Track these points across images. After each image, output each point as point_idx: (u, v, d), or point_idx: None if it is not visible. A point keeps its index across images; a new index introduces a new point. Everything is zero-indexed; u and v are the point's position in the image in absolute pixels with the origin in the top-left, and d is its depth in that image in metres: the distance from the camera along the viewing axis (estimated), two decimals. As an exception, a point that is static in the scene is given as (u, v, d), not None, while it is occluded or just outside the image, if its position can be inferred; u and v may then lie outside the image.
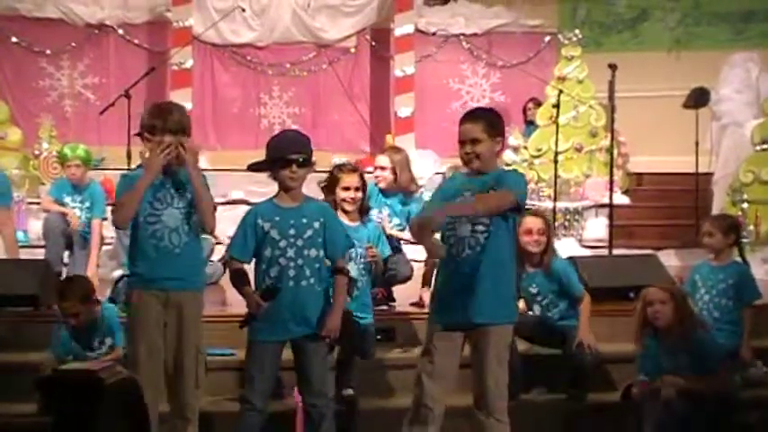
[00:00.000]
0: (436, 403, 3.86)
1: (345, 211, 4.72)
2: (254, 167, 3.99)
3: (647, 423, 4.40)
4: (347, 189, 4.73)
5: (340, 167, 4.84)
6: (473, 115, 3.98)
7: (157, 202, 3.94)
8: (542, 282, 5.06)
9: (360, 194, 4.75)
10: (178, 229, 3.94)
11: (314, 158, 3.99)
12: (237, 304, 5.27)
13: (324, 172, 4.88)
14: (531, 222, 5.00)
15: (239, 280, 3.92)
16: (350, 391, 4.64)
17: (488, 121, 3.91)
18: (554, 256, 5.07)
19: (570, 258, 5.70)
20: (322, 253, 3.95)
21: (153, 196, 3.93)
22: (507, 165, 9.26)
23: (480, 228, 3.82)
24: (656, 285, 4.71)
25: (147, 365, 3.86)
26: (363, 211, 4.81)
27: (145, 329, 3.93)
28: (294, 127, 10.03)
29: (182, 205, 3.96)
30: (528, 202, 8.94)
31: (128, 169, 5.99)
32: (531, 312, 5.09)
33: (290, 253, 3.89)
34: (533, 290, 5.08)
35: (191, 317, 3.97)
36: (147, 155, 3.99)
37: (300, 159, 3.89)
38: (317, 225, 3.95)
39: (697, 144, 8.92)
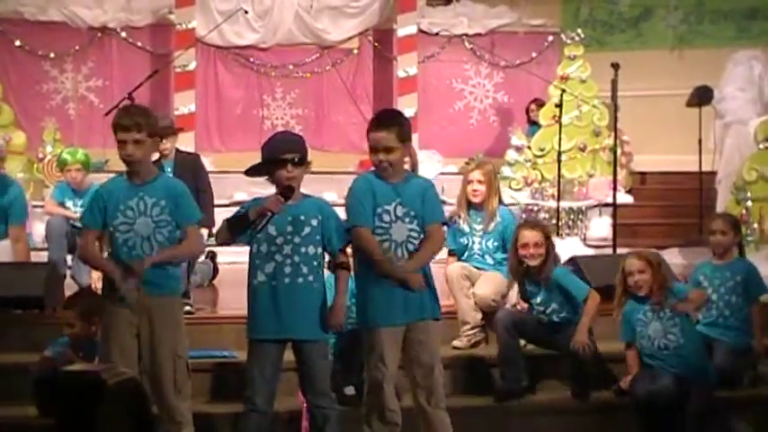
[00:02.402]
0: (396, 404, 3.96)
1: None
2: (250, 172, 4.00)
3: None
4: None
5: None
6: (385, 123, 4.00)
7: (129, 210, 3.93)
8: (545, 296, 5.02)
9: None
10: (150, 239, 3.93)
11: (310, 158, 4.01)
12: (231, 305, 5.30)
13: (326, 173, 4.89)
14: (528, 236, 4.98)
15: (236, 219, 3.88)
16: (351, 390, 4.64)
17: (400, 128, 3.96)
18: (553, 267, 4.99)
19: (571, 260, 5.69)
20: (320, 250, 3.96)
21: (125, 204, 3.92)
22: (510, 164, 9.29)
23: (414, 233, 3.95)
24: (633, 254, 4.79)
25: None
26: None
27: (117, 333, 3.91)
28: (297, 128, 10.05)
29: (156, 213, 3.95)
30: (531, 201, 9.05)
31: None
32: (534, 313, 5.08)
33: (287, 250, 3.90)
34: (538, 301, 5.04)
35: (165, 322, 3.94)
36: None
37: (295, 159, 3.90)
38: (314, 222, 3.96)
39: (700, 142, 8.90)
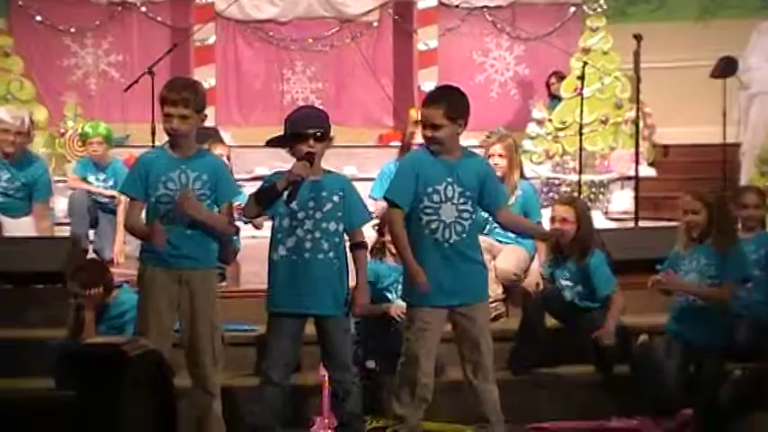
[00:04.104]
0: (431, 379, 3.97)
1: (392, 254, 4.71)
2: (272, 143, 4.00)
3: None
4: None
5: None
6: (433, 99, 3.98)
7: (171, 182, 3.93)
8: (575, 273, 4.94)
9: None
10: None
11: (332, 133, 3.99)
12: (254, 280, 5.32)
13: (346, 147, 4.87)
14: (555, 210, 4.97)
15: (264, 191, 3.89)
16: (372, 364, 4.66)
17: (449, 104, 3.90)
18: (592, 251, 4.88)
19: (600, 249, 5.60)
20: (341, 227, 3.96)
21: (167, 176, 3.93)
22: (531, 137, 9.23)
23: (465, 214, 3.93)
24: (690, 193, 4.75)
25: (157, 340, 3.82)
26: None
27: (154, 304, 3.94)
28: (317, 102, 10.03)
29: (197, 186, 3.95)
30: (553, 174, 8.98)
31: (152, 146, 5.98)
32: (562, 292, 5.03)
33: (308, 225, 3.90)
34: (566, 276, 4.99)
35: (204, 294, 3.97)
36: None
37: (318, 134, 3.89)
38: (336, 198, 3.95)
39: (725, 114, 8.78)
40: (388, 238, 4.78)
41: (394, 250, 4.76)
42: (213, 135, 6.37)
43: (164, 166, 3.95)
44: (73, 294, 4.53)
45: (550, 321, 5.02)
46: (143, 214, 4.03)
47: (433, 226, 3.90)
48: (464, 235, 3.92)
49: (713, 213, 4.69)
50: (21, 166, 6.15)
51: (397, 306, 4.56)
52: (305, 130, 3.89)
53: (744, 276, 4.80)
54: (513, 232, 4.81)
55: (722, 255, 4.68)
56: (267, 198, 3.88)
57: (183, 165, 3.95)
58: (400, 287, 4.65)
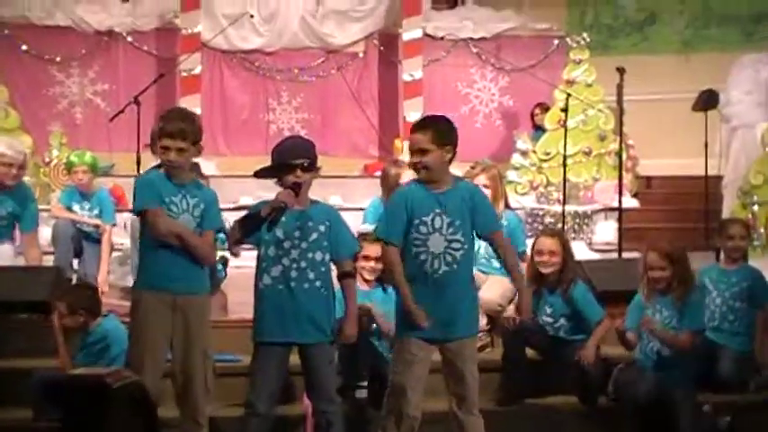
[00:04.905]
0: (418, 411, 3.95)
1: (365, 280, 4.75)
2: (260, 174, 4.01)
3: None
4: (367, 258, 4.72)
5: (363, 236, 4.84)
6: (421, 125, 4.00)
7: (174, 205, 3.96)
8: (557, 306, 4.99)
9: (380, 265, 4.67)
10: None
11: (319, 163, 4.01)
12: (240, 309, 5.31)
13: (331, 177, 4.90)
14: (541, 243, 4.99)
15: (248, 218, 3.90)
16: (363, 393, 4.65)
17: (436, 130, 3.91)
18: (575, 282, 4.96)
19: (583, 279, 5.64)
20: (328, 257, 3.97)
21: (170, 198, 3.95)
22: (516, 168, 9.28)
23: (455, 245, 3.90)
24: (656, 251, 4.76)
25: (150, 369, 3.83)
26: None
27: (149, 331, 3.92)
28: (303, 132, 10.05)
29: (196, 214, 3.99)
30: (537, 205, 9.04)
31: (137, 176, 5.98)
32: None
33: (294, 254, 3.91)
34: (547, 312, 5.01)
35: (198, 322, 3.98)
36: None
37: (305, 164, 3.92)
38: (322, 228, 3.97)
39: (706, 146, 8.88)
40: (362, 263, 4.75)
41: (367, 276, 4.77)
42: (194, 170, 6.34)
43: (167, 188, 3.98)
44: (58, 314, 4.53)
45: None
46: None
47: (422, 257, 3.90)
48: (455, 266, 3.90)
49: (677, 268, 4.73)
50: (11, 194, 6.14)
51: (386, 325, 4.53)
52: (292, 161, 3.92)
53: (701, 327, 4.84)
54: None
55: (682, 305, 4.72)
56: (251, 224, 3.90)
57: (183, 190, 4.00)
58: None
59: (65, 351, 4.49)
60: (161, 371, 3.95)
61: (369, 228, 5.33)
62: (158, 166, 4.05)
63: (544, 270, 4.96)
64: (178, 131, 3.91)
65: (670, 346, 4.67)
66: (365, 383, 4.65)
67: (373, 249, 4.72)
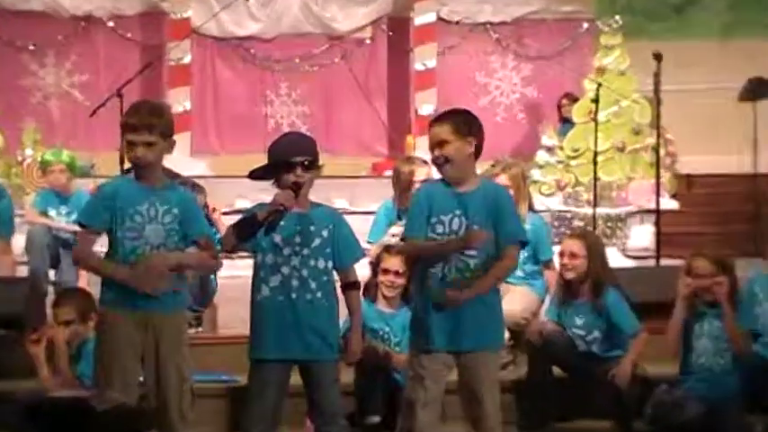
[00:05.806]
0: (431, 430, 3.93)
1: (384, 296, 4.83)
2: (255, 175, 4.01)
3: None
4: (386, 272, 4.79)
5: (387, 249, 4.92)
6: (440, 117, 4.05)
7: (138, 215, 3.92)
8: (589, 317, 4.99)
9: (401, 280, 4.79)
10: (160, 248, 3.92)
11: (321, 162, 4.01)
12: (233, 324, 5.32)
13: (336, 177, 4.91)
14: (563, 245, 5.04)
15: (243, 222, 3.90)
16: (376, 419, 4.65)
17: (456, 120, 3.95)
18: (607, 288, 4.96)
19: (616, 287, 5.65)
20: (331, 265, 3.97)
21: (134, 209, 3.92)
22: (540, 166, 9.28)
23: (469, 251, 3.90)
24: (703, 257, 4.85)
25: (119, 392, 3.79)
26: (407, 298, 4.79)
27: (117, 353, 3.89)
28: (304, 128, 10.08)
29: (167, 221, 3.95)
30: (564, 207, 9.02)
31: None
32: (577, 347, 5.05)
33: (295, 262, 3.91)
34: (578, 324, 5.01)
35: (170, 340, 3.93)
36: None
37: (306, 162, 3.91)
38: (325, 233, 3.96)
39: (755, 141, 8.88)
40: (381, 278, 4.80)
41: (387, 292, 4.80)
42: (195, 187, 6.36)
43: (131, 196, 3.94)
44: (64, 322, 4.54)
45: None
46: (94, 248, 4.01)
47: (434, 259, 3.92)
48: (467, 273, 3.91)
49: (729, 275, 4.81)
50: None
51: (400, 357, 4.58)
52: (291, 159, 3.90)
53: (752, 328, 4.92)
54: None
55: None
56: (246, 229, 3.89)
57: (153, 196, 3.95)
58: (388, 336, 4.79)
59: (65, 365, 4.47)
60: (134, 393, 3.90)
61: (382, 238, 5.35)
62: (128, 171, 4.05)
63: (566, 274, 4.97)
64: (143, 124, 3.89)
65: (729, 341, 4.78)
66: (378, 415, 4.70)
67: (394, 263, 4.74)
